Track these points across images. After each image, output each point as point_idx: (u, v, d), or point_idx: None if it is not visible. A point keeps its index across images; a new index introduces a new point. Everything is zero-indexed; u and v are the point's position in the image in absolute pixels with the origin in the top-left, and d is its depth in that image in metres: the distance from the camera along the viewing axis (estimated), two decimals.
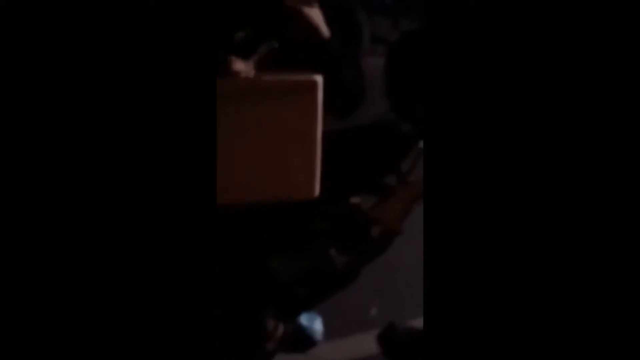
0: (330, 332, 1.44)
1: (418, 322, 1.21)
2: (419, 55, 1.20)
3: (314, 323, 1.42)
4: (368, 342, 1.41)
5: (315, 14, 0.78)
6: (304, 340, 1.39)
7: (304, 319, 1.40)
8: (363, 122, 1.29)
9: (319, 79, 0.69)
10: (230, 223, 0.85)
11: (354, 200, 1.36)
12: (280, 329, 1.31)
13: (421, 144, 1.28)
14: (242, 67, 0.73)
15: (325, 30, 0.79)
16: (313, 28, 0.78)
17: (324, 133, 0.86)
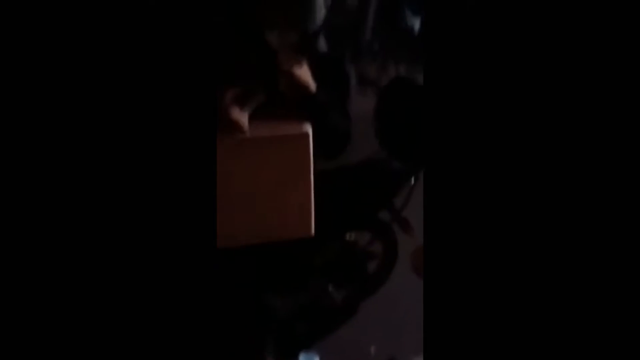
0: None
1: (418, 359, 1.20)
2: (408, 98, 1.29)
3: None
4: None
5: (305, 72, 0.86)
6: None
7: (302, 359, 1.38)
8: (356, 160, 1.35)
9: (309, 129, 0.75)
10: (229, 261, 0.87)
11: (350, 236, 1.39)
12: None
13: (412, 180, 1.34)
14: (238, 115, 0.79)
15: (312, 85, 0.87)
16: (302, 85, 0.86)
17: (319, 172, 0.91)
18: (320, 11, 0.93)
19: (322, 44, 1.04)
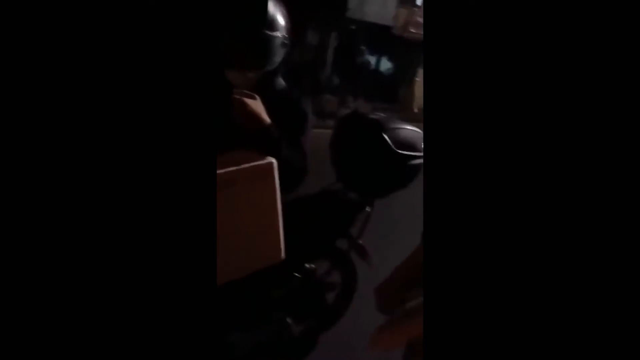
0: None
1: None
2: (362, 131, 1.36)
3: None
4: None
5: (257, 105, 0.90)
6: None
7: None
8: (313, 191, 1.38)
9: (273, 160, 0.78)
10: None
11: (308, 266, 1.39)
12: None
13: (368, 209, 1.38)
14: None
15: (266, 120, 0.91)
16: (255, 117, 0.89)
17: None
18: (279, 52, 0.98)
19: (279, 82, 1.09)
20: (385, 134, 1.20)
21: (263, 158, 0.77)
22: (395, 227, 1.08)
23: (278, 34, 0.95)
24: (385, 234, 1.08)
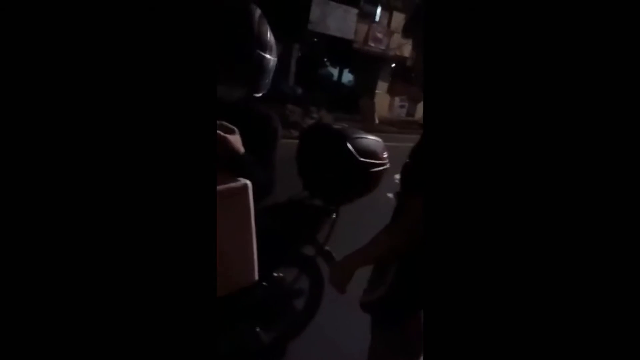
0: None
1: None
2: (326, 141, 1.41)
3: None
4: None
5: (236, 140, 0.92)
6: None
7: None
8: (279, 200, 1.41)
9: (247, 181, 0.81)
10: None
11: (277, 274, 1.41)
12: None
13: (333, 215, 1.43)
14: None
15: (241, 148, 0.93)
16: (233, 151, 0.91)
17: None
18: (270, 75, 1.00)
19: (251, 99, 1.11)
20: (349, 143, 1.26)
21: (236, 180, 0.80)
22: (360, 232, 1.13)
23: (271, 56, 0.98)
24: (350, 239, 1.12)
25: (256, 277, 0.90)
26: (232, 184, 0.78)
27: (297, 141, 1.39)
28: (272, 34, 0.98)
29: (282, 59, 6.87)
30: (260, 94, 1.03)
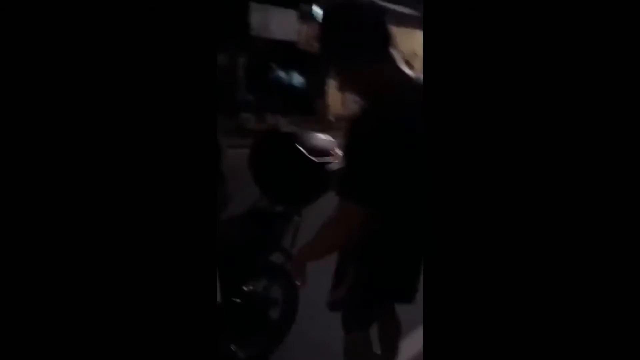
0: None
1: None
2: (277, 144, 1.39)
3: None
4: None
5: None
6: None
7: None
8: (239, 211, 1.38)
9: None
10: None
11: (246, 288, 1.38)
12: None
13: (296, 218, 1.42)
14: None
15: None
16: None
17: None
18: None
19: None
20: (299, 145, 1.25)
21: None
22: None
23: None
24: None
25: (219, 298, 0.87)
26: None
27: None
28: None
29: (230, 68, 6.77)
30: None
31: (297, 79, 8.68)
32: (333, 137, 1.37)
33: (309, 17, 7.85)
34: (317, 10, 7.70)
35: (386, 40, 0.86)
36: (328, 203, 1.52)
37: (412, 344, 1.36)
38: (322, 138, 1.34)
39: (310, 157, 1.27)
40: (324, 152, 1.31)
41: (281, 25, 7.44)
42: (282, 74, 8.10)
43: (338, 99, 8.46)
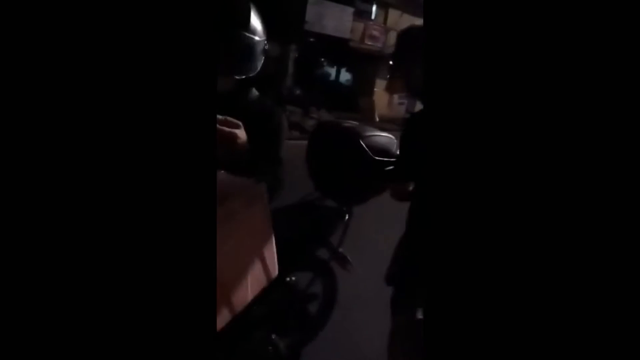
0: None
1: None
2: (340, 139, 1.37)
3: None
4: None
5: (242, 135, 0.87)
6: None
7: None
8: (291, 202, 1.37)
9: (262, 185, 0.77)
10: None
11: (289, 279, 1.37)
12: None
13: (347, 216, 1.39)
14: None
15: (246, 145, 0.88)
16: (241, 146, 0.86)
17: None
18: (260, 57, 0.97)
19: (253, 92, 1.07)
20: (362, 141, 1.22)
21: (248, 182, 0.76)
22: (375, 233, 1.09)
23: (259, 38, 0.95)
24: (365, 241, 1.08)
25: (276, 272, 0.87)
26: (250, 188, 0.75)
27: (299, 142, 1.35)
28: (258, 16, 0.96)
29: (280, 61, 6.85)
30: (248, 75, 0.98)
31: (345, 76, 8.64)
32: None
33: (364, 15, 7.78)
34: (373, 9, 7.61)
35: None
36: (381, 203, 1.49)
37: None
38: (384, 136, 1.30)
39: (371, 154, 1.23)
40: (385, 152, 1.26)
41: (336, 21, 7.43)
42: (330, 70, 8.09)
43: (385, 99, 8.35)
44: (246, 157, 0.86)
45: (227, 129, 0.83)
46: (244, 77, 0.97)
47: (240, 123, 0.86)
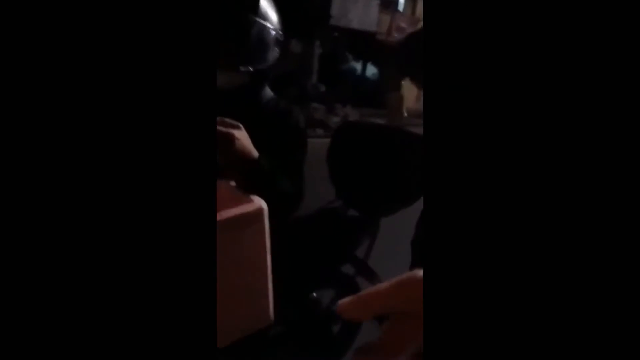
0: None
1: None
2: (361, 142, 1.23)
3: None
4: None
5: (243, 137, 0.74)
6: None
7: None
8: (310, 211, 1.25)
9: (262, 202, 0.62)
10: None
11: (312, 296, 1.25)
12: None
13: (374, 228, 1.25)
14: None
15: (254, 151, 0.75)
16: (243, 152, 0.73)
17: (272, 229, 0.79)
18: (272, 48, 0.85)
19: (267, 92, 0.95)
20: (389, 143, 1.07)
21: (248, 200, 0.62)
22: (405, 245, 0.96)
23: (271, 26, 0.83)
24: (394, 255, 0.95)
25: (272, 318, 0.73)
26: (243, 209, 0.60)
27: (322, 140, 1.23)
28: (272, 5, 0.83)
29: (303, 57, 6.77)
30: (256, 66, 0.84)
31: (371, 70, 8.45)
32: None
33: (391, 7, 7.56)
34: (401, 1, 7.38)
35: None
36: (411, 215, 1.35)
37: None
38: (416, 134, 1.14)
39: (400, 157, 1.08)
40: (416, 154, 1.11)
41: (361, 14, 7.26)
42: (356, 65, 7.94)
43: (413, 94, 8.11)
44: (249, 165, 0.73)
45: (223, 129, 0.70)
46: (251, 69, 0.84)
47: (239, 124, 0.73)
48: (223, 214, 0.58)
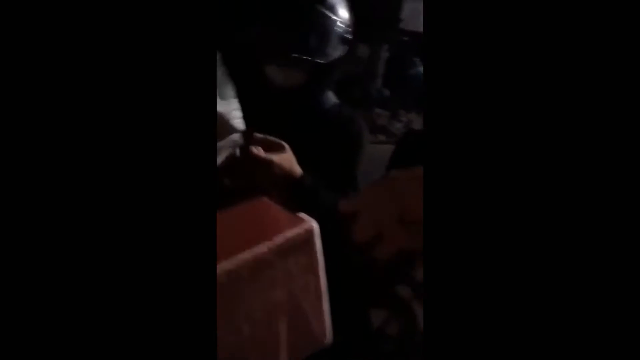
0: None
1: None
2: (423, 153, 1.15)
3: None
4: None
5: (285, 159, 0.70)
6: None
7: None
8: None
9: (314, 223, 0.59)
10: None
11: (363, 315, 1.19)
12: None
13: None
14: None
15: (297, 170, 0.71)
16: (284, 176, 0.69)
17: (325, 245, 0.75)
18: (337, 45, 0.80)
19: (330, 97, 0.92)
20: None
21: (298, 220, 0.58)
22: None
23: (338, 20, 0.77)
24: None
25: (329, 338, 0.69)
26: (292, 232, 0.57)
27: (384, 145, 1.16)
28: (344, 2, 0.77)
29: (370, 62, 6.69)
30: (315, 58, 0.79)
31: None
32: None
33: None
34: None
35: None
36: None
37: None
38: None
39: None
40: None
41: None
42: (423, 69, 7.67)
43: None
44: (291, 187, 0.69)
45: (260, 154, 0.66)
46: (306, 58, 0.79)
47: (283, 144, 0.69)
48: (272, 239, 0.55)
